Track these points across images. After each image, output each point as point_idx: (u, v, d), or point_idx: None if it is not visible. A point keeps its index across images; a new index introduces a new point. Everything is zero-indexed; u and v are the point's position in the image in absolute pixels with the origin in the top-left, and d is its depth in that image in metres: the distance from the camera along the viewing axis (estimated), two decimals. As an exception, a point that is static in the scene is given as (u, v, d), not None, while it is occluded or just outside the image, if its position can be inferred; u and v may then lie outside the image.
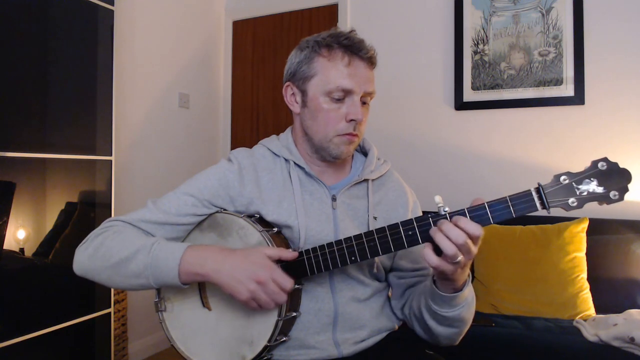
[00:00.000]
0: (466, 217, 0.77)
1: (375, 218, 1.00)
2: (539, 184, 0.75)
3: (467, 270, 0.82)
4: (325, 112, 0.94)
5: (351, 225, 0.97)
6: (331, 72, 0.93)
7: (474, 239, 0.74)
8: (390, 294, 1.08)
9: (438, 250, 0.76)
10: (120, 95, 2.25)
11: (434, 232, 0.76)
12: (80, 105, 1.85)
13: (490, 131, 2.32)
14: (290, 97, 1.01)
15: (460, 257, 0.74)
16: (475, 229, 0.74)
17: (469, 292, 0.87)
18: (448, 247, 0.73)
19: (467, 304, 0.87)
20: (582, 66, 2.11)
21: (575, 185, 0.74)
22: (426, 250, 0.77)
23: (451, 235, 0.73)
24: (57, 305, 1.75)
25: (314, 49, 0.95)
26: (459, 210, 0.78)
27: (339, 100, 0.93)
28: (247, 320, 0.90)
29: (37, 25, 1.69)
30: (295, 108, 1.00)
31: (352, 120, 0.93)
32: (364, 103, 0.96)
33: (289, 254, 0.87)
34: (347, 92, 0.93)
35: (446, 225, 0.74)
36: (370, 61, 0.95)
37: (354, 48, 0.93)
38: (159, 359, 2.46)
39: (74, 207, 1.83)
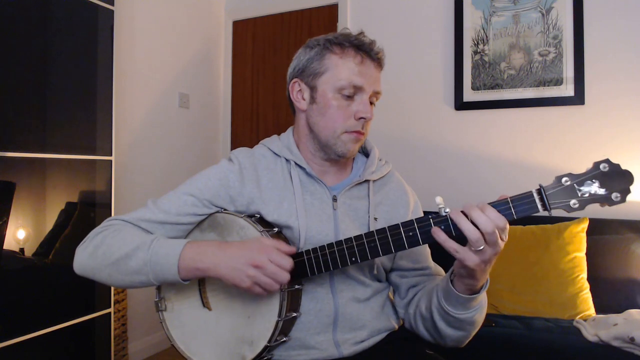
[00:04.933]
0: (489, 209, 0.75)
1: (375, 219, 0.99)
2: (540, 186, 0.75)
3: (489, 270, 0.79)
4: (335, 108, 0.95)
5: (352, 225, 0.97)
6: (343, 69, 0.94)
7: (499, 229, 0.73)
8: (391, 293, 1.07)
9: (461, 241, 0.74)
10: (120, 95, 2.25)
11: (455, 214, 0.74)
12: (80, 105, 1.85)
13: (490, 131, 2.32)
14: (297, 93, 1.01)
15: (484, 246, 0.73)
16: (499, 219, 0.72)
17: (483, 295, 0.85)
18: (472, 231, 0.72)
19: (480, 307, 0.86)
20: (582, 66, 2.11)
21: (576, 186, 0.74)
22: (440, 236, 0.75)
23: (480, 221, 0.72)
24: (57, 305, 1.75)
25: (326, 46, 0.96)
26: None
27: (349, 98, 0.95)
28: (247, 320, 0.90)
29: (37, 25, 1.69)
30: (302, 105, 1.00)
31: (361, 118, 0.94)
32: (370, 103, 0.97)
33: (286, 248, 0.87)
34: (357, 89, 0.94)
35: (474, 212, 0.73)
36: (379, 62, 0.97)
37: (366, 47, 0.95)
38: (159, 359, 2.47)
39: (74, 207, 1.83)
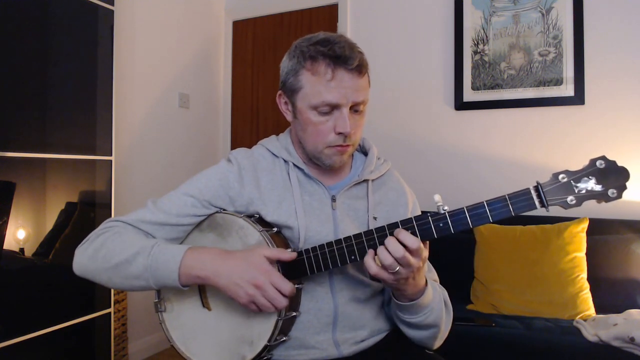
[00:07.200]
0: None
1: (375, 218, 0.99)
2: (537, 183, 0.76)
3: (416, 283, 0.84)
4: (314, 125, 0.92)
5: (351, 225, 0.97)
6: (315, 87, 0.89)
7: (412, 251, 0.78)
8: None
9: None
10: (120, 95, 2.26)
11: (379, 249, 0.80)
12: (80, 105, 1.85)
13: (490, 131, 2.32)
14: (284, 105, 1.00)
15: (399, 268, 0.78)
16: (413, 242, 0.77)
17: (430, 299, 0.89)
18: (385, 257, 0.78)
19: (431, 310, 0.90)
20: (582, 66, 2.11)
21: (573, 183, 0.75)
22: (367, 258, 0.81)
23: (390, 248, 0.78)
24: (57, 305, 1.75)
25: (299, 60, 0.92)
26: (458, 209, 0.78)
27: (327, 113, 0.91)
28: (247, 320, 0.90)
29: (37, 25, 1.69)
30: (288, 116, 1.00)
31: (340, 133, 0.92)
32: (355, 111, 0.93)
33: (287, 255, 0.87)
34: (333, 106, 0.90)
35: (388, 239, 0.79)
36: (358, 70, 0.89)
37: (339, 60, 0.88)
38: (159, 359, 2.47)
39: (74, 207, 1.83)
